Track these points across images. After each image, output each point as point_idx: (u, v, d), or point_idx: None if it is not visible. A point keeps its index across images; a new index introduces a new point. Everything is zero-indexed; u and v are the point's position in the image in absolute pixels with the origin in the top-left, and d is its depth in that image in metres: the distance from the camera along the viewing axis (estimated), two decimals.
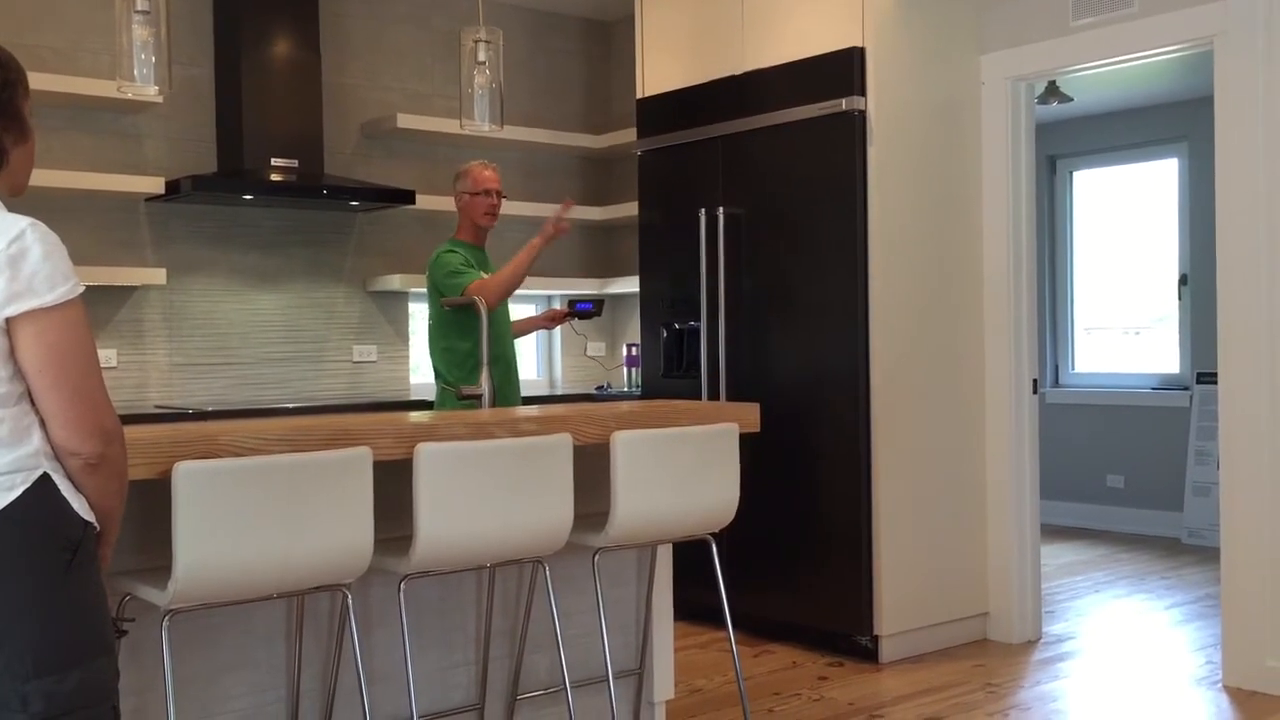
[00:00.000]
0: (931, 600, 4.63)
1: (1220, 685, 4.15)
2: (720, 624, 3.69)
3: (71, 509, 1.87)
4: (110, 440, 1.91)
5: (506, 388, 4.63)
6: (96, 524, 1.93)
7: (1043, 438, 4.98)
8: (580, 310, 5.23)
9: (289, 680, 2.92)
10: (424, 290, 5.71)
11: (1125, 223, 7.65)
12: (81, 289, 1.88)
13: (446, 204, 5.67)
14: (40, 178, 4.61)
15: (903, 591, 4.53)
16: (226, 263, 5.36)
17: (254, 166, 5.15)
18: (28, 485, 1.83)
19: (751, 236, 4.84)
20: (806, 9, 4.65)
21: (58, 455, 1.88)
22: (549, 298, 6.46)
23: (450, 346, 4.61)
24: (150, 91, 3.34)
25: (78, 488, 1.90)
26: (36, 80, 4.53)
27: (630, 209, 5.77)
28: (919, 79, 4.61)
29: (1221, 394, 4.15)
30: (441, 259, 4.58)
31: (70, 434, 1.86)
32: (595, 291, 6.27)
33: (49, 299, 1.83)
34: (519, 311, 5.02)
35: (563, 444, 2.95)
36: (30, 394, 1.87)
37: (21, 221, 1.85)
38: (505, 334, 4.73)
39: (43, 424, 1.88)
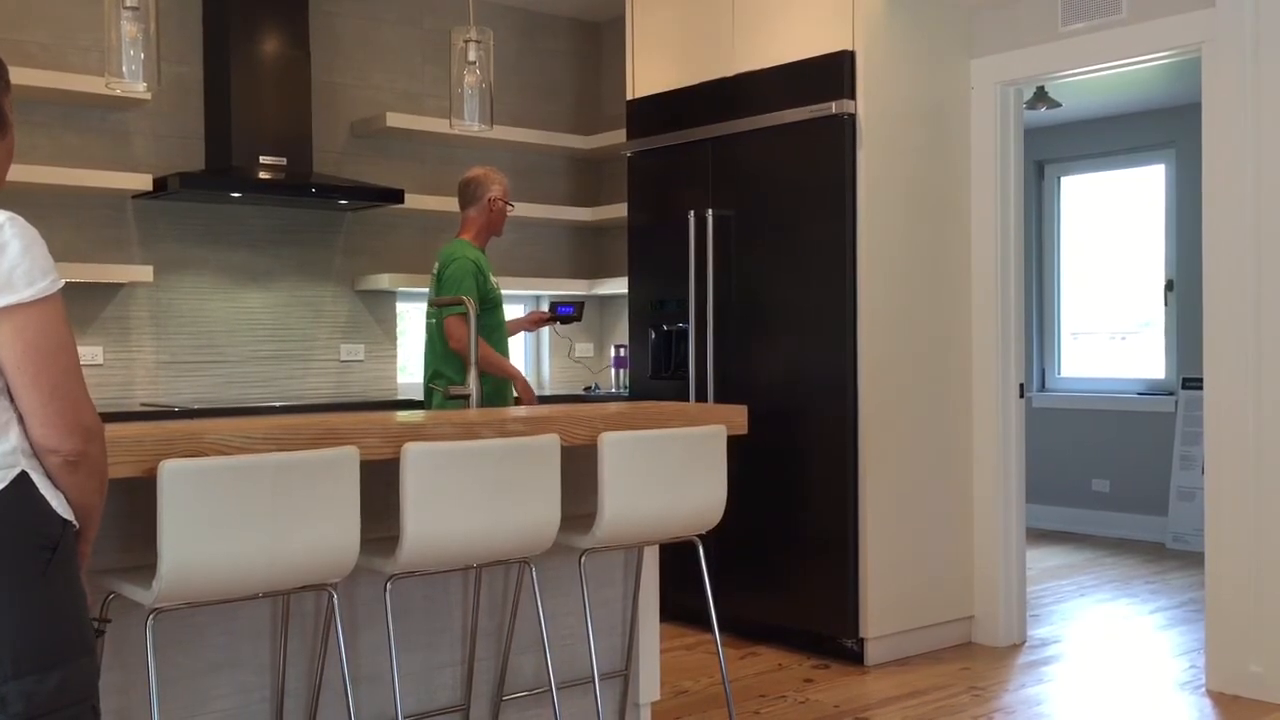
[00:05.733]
0: (917, 603, 4.64)
1: (1203, 690, 4.16)
2: (706, 626, 3.69)
3: (50, 507, 1.85)
4: (90, 438, 1.88)
5: (504, 389, 4.64)
6: (76, 522, 1.91)
7: (1029, 442, 4.99)
8: (562, 314, 5.25)
9: (274, 680, 2.91)
10: (412, 289, 5.73)
11: (1112, 228, 7.68)
12: (61, 284, 1.85)
13: (435, 203, 5.68)
14: (28, 174, 4.59)
15: (889, 594, 4.53)
16: (214, 261, 5.34)
17: (242, 164, 5.13)
18: (5, 483, 1.81)
19: (740, 239, 4.84)
20: (797, 12, 4.66)
21: (36, 453, 1.86)
22: (536, 298, 6.46)
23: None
24: (139, 88, 3.33)
25: (57, 486, 1.87)
26: (24, 76, 4.57)
27: (619, 210, 5.77)
28: (908, 83, 4.62)
29: (1207, 399, 4.17)
30: (463, 265, 4.59)
31: (49, 431, 1.84)
32: (582, 293, 6.27)
33: (27, 295, 1.80)
34: (505, 313, 5.03)
35: (550, 445, 2.95)
36: (9, 391, 1.84)
37: None
38: (503, 337, 4.76)
39: (21, 421, 1.85)
